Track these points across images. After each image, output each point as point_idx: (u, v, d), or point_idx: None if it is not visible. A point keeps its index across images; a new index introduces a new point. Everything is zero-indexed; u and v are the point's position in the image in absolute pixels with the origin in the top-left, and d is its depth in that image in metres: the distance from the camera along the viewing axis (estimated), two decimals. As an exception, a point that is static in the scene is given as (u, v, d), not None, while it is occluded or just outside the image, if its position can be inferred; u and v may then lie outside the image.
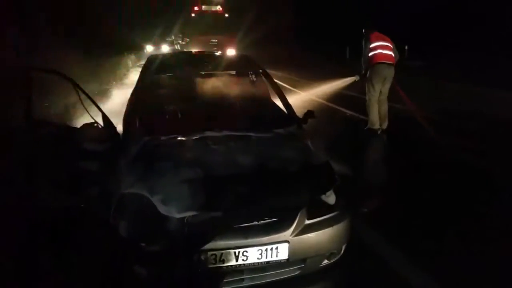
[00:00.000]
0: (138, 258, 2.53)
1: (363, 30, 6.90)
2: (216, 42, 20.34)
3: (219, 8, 21.87)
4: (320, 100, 9.64)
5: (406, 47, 20.58)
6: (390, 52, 6.63)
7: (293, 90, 11.33)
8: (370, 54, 6.61)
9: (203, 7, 21.87)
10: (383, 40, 6.69)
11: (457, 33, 17.54)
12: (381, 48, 6.61)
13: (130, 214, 2.58)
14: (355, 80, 7.15)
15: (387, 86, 6.75)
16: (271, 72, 4.52)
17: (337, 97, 9.28)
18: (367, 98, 6.85)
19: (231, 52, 17.79)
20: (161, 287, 2.57)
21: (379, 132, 6.86)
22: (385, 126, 6.91)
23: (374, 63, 6.58)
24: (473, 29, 16.81)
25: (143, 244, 2.50)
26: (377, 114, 6.80)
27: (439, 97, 10.28)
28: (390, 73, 6.64)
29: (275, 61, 18.77)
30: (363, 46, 6.78)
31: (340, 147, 5.65)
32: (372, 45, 6.61)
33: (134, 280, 2.56)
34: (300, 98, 9.56)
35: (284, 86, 11.17)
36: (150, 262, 2.51)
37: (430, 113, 7.79)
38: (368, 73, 6.71)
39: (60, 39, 7.83)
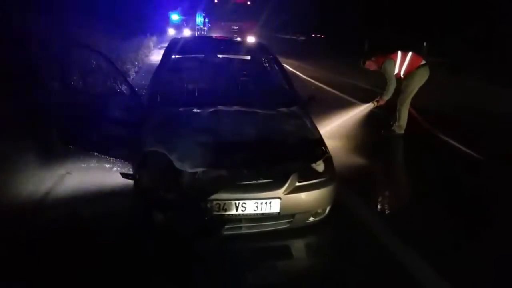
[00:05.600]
0: (157, 204, 3.08)
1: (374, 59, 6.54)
2: (237, 29, 20.80)
3: (242, -5, 22.27)
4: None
5: (425, 44, 20.63)
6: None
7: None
8: (405, 63, 6.27)
9: (227, -7, 22.31)
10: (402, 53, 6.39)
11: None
12: (406, 53, 6.35)
13: (151, 168, 3.13)
14: (373, 106, 6.58)
15: None
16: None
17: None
18: (401, 102, 6.43)
19: (251, 39, 18.20)
20: (173, 228, 3.11)
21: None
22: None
23: (417, 66, 6.30)
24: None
25: (161, 193, 3.05)
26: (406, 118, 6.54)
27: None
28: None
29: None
30: (385, 71, 6.33)
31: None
32: (398, 58, 6.29)
33: (151, 223, 3.11)
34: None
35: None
36: (165, 207, 3.06)
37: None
38: (412, 77, 6.32)
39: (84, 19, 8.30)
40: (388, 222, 3.72)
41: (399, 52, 6.38)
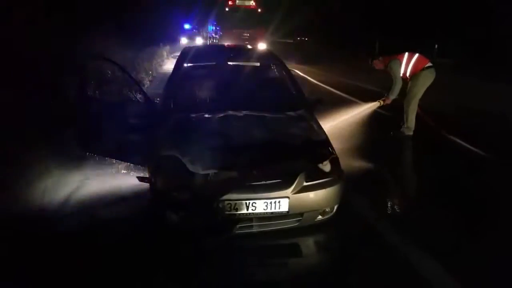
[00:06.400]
0: (170, 205, 3.25)
1: (380, 59, 6.73)
2: (247, 36, 21.09)
3: (252, 3, 22.57)
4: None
5: (436, 46, 20.61)
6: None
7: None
8: (411, 64, 6.40)
9: (237, 1, 22.63)
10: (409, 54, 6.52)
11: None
12: (413, 54, 6.48)
13: (165, 171, 3.31)
14: (379, 105, 6.73)
15: None
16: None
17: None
18: (407, 104, 6.53)
19: (261, 46, 18.44)
20: (186, 228, 3.26)
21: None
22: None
23: (422, 68, 6.40)
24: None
25: (175, 194, 3.21)
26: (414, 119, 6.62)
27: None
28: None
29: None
30: (391, 70, 6.48)
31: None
32: (405, 59, 6.45)
33: (165, 222, 3.28)
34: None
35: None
36: (179, 208, 3.22)
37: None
38: (417, 78, 6.43)
39: (101, 31, 8.58)
40: (396, 221, 3.82)
41: (406, 53, 6.52)
